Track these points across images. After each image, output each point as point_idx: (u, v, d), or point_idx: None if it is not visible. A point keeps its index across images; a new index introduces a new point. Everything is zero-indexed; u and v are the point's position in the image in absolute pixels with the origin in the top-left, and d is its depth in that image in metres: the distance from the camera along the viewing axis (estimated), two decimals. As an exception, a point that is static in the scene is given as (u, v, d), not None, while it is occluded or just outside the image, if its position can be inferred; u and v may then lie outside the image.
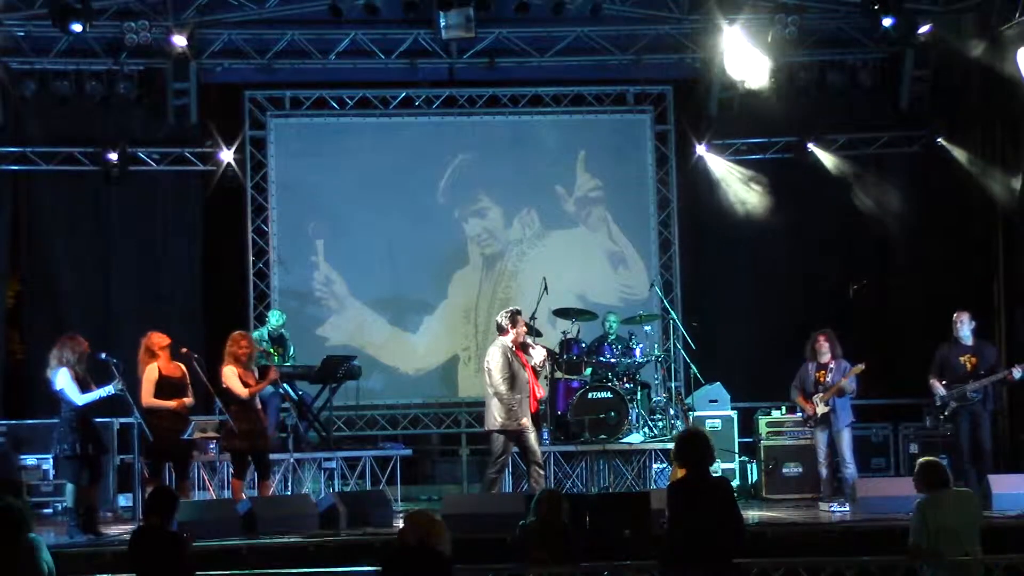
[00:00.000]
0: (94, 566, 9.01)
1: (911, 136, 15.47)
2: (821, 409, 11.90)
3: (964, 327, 11.98)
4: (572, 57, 15.38)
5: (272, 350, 13.44)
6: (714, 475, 7.64)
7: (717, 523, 7.15)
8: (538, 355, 11.68)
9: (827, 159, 15.27)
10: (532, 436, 11.30)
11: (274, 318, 13.88)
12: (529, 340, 11.67)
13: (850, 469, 11.81)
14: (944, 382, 11.95)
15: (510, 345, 11.28)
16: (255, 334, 13.57)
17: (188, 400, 10.87)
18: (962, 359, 11.95)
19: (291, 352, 13.79)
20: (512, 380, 11.15)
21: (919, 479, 8.09)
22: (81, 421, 10.44)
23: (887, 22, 13.60)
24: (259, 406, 11.36)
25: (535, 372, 11.61)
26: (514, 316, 11.40)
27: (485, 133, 15.80)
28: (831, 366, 11.93)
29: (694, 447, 7.38)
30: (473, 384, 15.30)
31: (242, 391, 10.98)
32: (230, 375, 11.01)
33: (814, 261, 15.56)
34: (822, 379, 11.96)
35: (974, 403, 11.81)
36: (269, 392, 12.26)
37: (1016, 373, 11.74)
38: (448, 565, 6.82)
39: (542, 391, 11.91)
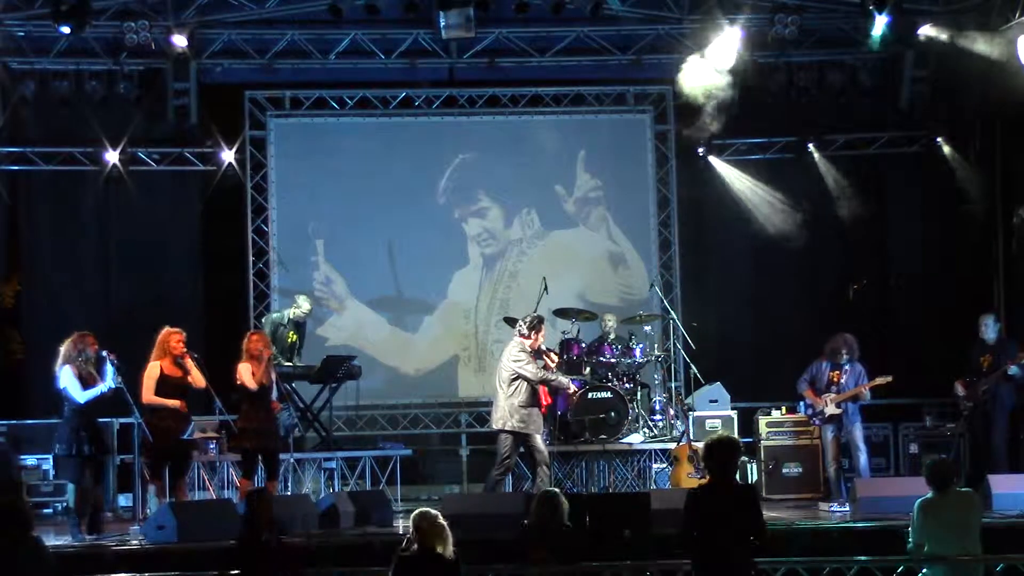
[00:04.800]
0: (94, 566, 9.01)
1: (911, 136, 15.49)
2: (831, 410, 11.90)
3: (987, 329, 12.08)
4: (572, 57, 15.39)
5: (291, 336, 13.50)
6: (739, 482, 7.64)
7: (737, 527, 7.15)
8: (551, 363, 11.71)
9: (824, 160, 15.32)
10: (539, 436, 11.32)
11: (305, 303, 13.84)
12: (543, 348, 11.63)
13: (863, 458, 11.90)
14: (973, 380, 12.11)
15: (528, 349, 11.28)
16: (276, 316, 13.70)
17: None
18: (981, 359, 12.02)
19: (302, 346, 13.82)
20: (522, 380, 11.18)
21: (929, 477, 8.09)
22: (84, 421, 10.43)
23: (881, 21, 13.58)
24: (272, 404, 11.32)
25: None
26: (536, 324, 11.38)
27: (485, 133, 15.81)
28: (846, 367, 11.93)
29: (719, 453, 7.38)
30: (473, 384, 15.32)
31: (252, 383, 10.97)
32: (244, 371, 11.00)
33: (814, 261, 15.55)
34: (836, 379, 11.94)
35: (986, 402, 11.87)
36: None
37: (1011, 370, 11.79)
38: (455, 566, 6.84)
39: (549, 398, 11.87)
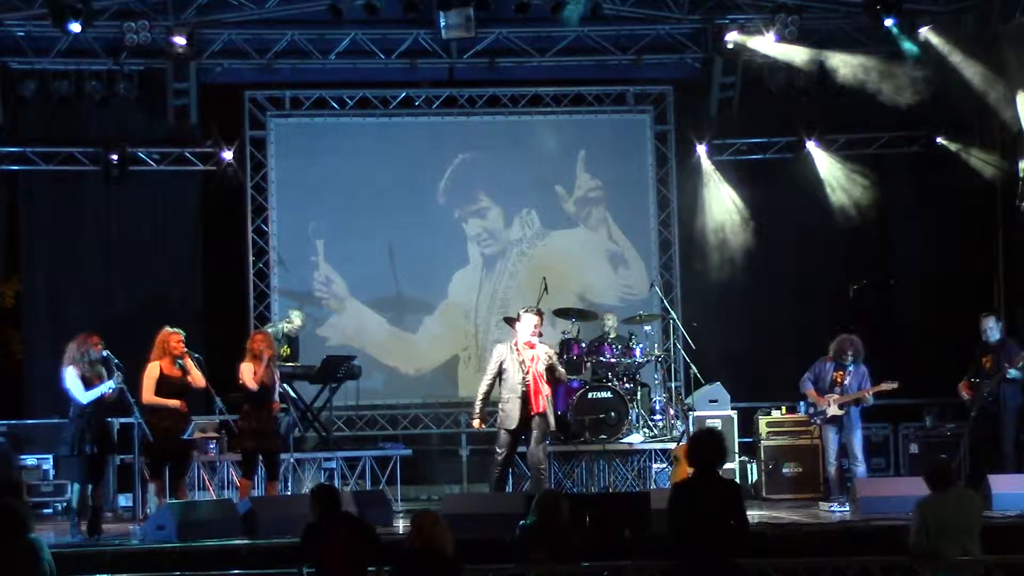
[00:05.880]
0: (94, 566, 9.02)
1: (911, 136, 15.48)
2: (833, 411, 11.86)
3: (990, 332, 12.04)
4: (572, 57, 15.39)
5: (284, 349, 13.52)
6: (724, 477, 7.61)
7: (719, 524, 7.15)
8: (540, 351, 11.22)
9: (825, 160, 15.31)
10: (532, 438, 11.23)
11: (297, 318, 13.97)
12: (535, 340, 11.22)
13: (861, 468, 11.84)
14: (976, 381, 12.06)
15: (511, 343, 11.24)
16: (270, 329, 13.68)
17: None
18: (983, 360, 12.01)
19: (296, 359, 13.86)
20: (499, 377, 11.14)
21: (928, 477, 8.10)
22: (89, 421, 10.43)
23: (888, 22, 13.61)
24: (272, 404, 11.31)
25: (548, 371, 11.32)
26: (522, 312, 11.31)
27: (485, 133, 15.81)
28: (850, 369, 11.90)
29: (701, 447, 7.38)
30: (473, 384, 15.23)
31: (252, 383, 10.96)
32: (246, 371, 11.00)
33: (814, 261, 15.55)
34: (840, 380, 11.87)
35: (988, 403, 11.86)
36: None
37: (1010, 373, 11.78)
38: (455, 566, 6.84)
39: (548, 389, 11.36)
